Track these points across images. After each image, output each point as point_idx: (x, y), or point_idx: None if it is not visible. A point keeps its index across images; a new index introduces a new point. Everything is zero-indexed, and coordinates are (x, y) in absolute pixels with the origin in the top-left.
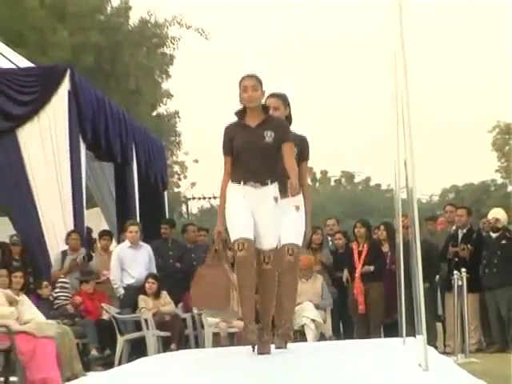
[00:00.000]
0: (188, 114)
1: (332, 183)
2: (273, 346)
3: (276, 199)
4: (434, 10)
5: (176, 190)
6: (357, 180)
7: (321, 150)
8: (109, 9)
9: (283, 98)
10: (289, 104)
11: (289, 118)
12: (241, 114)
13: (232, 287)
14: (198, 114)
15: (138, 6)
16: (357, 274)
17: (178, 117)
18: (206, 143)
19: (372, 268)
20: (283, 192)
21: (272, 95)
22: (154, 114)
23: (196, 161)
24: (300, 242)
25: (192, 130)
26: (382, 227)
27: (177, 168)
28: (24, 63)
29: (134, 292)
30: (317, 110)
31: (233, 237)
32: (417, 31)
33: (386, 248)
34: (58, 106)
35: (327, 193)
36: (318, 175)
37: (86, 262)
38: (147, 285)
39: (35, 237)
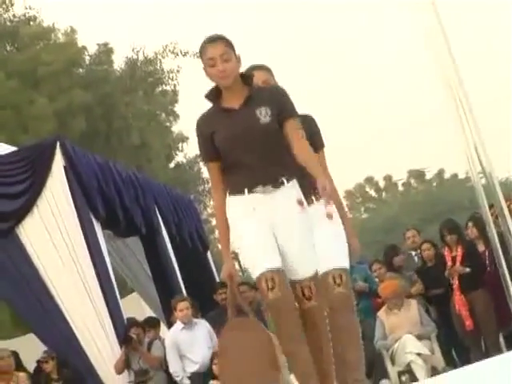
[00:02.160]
0: None
1: (400, 188)
2: None
3: (301, 202)
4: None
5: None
6: (428, 177)
7: (375, 153)
8: (86, 58)
9: (270, 70)
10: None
11: None
12: (214, 95)
13: (276, 349)
14: None
15: (119, 46)
16: (455, 285)
17: (202, 160)
18: None
19: (468, 269)
20: (306, 194)
21: (258, 67)
22: (172, 165)
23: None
24: (347, 264)
25: None
26: (469, 224)
27: (215, 221)
28: (4, 148)
29: (202, 379)
30: (359, 113)
31: (254, 272)
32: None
33: (481, 247)
34: (57, 187)
35: (398, 200)
36: (382, 183)
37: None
38: (215, 366)
39: (71, 347)
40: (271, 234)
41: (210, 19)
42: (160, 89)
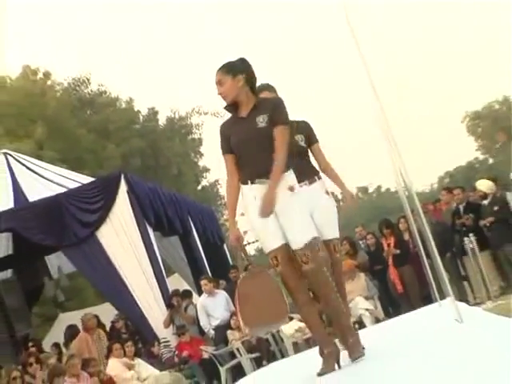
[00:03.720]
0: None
1: None
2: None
3: (291, 188)
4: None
5: None
6: (370, 190)
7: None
8: (141, 118)
9: (275, 90)
10: None
11: None
12: (231, 106)
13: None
14: None
15: (162, 109)
16: (390, 262)
17: (219, 184)
18: None
19: (398, 251)
20: (305, 175)
21: (264, 88)
22: (199, 187)
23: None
24: (338, 234)
25: None
26: (401, 220)
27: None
28: (87, 179)
29: (222, 330)
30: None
31: (265, 249)
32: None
33: (407, 236)
34: (122, 205)
35: (350, 208)
36: (339, 196)
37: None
38: (232, 321)
39: (134, 311)
40: (273, 217)
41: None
42: (190, 137)
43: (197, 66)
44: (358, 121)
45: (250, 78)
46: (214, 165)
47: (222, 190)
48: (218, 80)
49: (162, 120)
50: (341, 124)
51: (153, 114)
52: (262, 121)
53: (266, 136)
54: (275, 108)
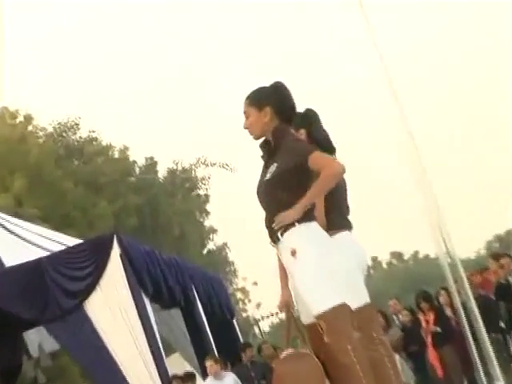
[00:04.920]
0: (236, 242)
1: (384, 266)
2: None
3: (293, 252)
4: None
5: (244, 314)
6: (406, 257)
7: (364, 238)
8: (137, 169)
9: (312, 121)
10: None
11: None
12: (266, 146)
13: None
14: (245, 240)
15: (162, 159)
16: (429, 342)
17: (227, 247)
18: (260, 264)
19: (439, 329)
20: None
21: (299, 124)
22: (205, 251)
23: (255, 283)
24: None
25: (243, 256)
26: (442, 292)
27: (239, 294)
28: (73, 241)
29: None
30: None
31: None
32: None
33: (449, 312)
34: (115, 271)
35: (382, 277)
36: (370, 262)
37: None
38: None
39: None
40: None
41: (236, 134)
42: (195, 193)
43: (203, 108)
44: (391, 174)
45: (282, 110)
46: (222, 225)
47: (232, 255)
48: (244, 111)
49: (161, 172)
50: (371, 177)
51: (151, 165)
52: (271, 170)
53: (270, 188)
54: (292, 147)
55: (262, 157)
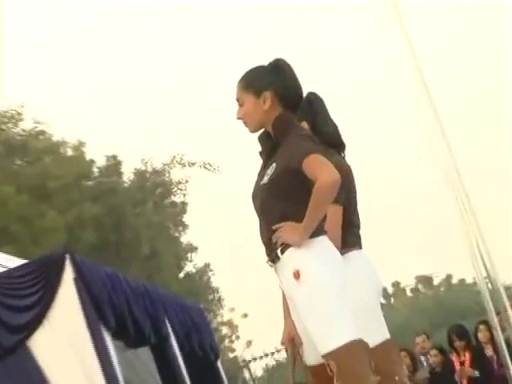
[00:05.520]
0: (221, 264)
1: (409, 293)
2: None
3: (297, 274)
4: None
5: (231, 354)
6: (436, 282)
7: (381, 259)
8: (95, 171)
9: (317, 107)
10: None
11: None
12: (265, 139)
13: None
14: (232, 260)
15: (128, 158)
16: None
17: (210, 270)
18: (251, 292)
19: (477, 373)
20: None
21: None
22: (182, 275)
23: (245, 315)
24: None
25: (231, 281)
26: (481, 327)
27: (226, 329)
28: (15, 262)
29: None
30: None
31: None
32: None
33: (490, 351)
34: (67, 299)
35: (406, 306)
36: (390, 289)
37: None
38: None
39: None
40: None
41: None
42: (169, 200)
43: (180, 96)
44: (419, 183)
45: (286, 94)
46: (204, 241)
47: (216, 279)
48: (236, 98)
49: (127, 174)
50: (396, 187)
51: (114, 165)
52: (269, 172)
53: (266, 198)
54: (292, 144)
55: (261, 153)
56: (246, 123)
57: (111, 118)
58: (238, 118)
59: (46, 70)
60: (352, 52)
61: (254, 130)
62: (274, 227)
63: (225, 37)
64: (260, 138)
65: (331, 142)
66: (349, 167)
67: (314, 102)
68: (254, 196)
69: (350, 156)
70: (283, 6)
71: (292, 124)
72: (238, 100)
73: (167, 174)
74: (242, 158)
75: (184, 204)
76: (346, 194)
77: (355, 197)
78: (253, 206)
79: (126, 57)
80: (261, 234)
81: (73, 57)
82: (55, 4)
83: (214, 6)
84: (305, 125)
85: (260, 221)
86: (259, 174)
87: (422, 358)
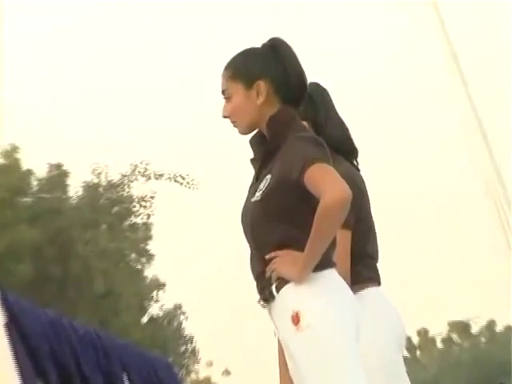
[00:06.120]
0: (196, 305)
1: (439, 344)
2: None
3: (295, 318)
4: None
5: None
6: (475, 330)
7: (405, 300)
8: (34, 184)
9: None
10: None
11: None
12: (258, 144)
13: None
14: (209, 301)
15: (76, 168)
16: None
17: (182, 313)
18: (234, 342)
19: None
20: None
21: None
22: (145, 319)
23: (227, 372)
24: None
25: (208, 327)
26: None
27: None
28: None
29: None
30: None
31: None
32: None
33: None
34: None
35: (436, 361)
36: (415, 339)
37: None
38: None
39: None
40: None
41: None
42: (129, 221)
43: (149, 97)
44: (459, 207)
45: (286, 83)
46: (174, 276)
47: (190, 325)
48: (222, 90)
49: (74, 188)
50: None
51: (58, 176)
52: (262, 186)
53: (259, 220)
54: (291, 151)
55: (252, 161)
56: (234, 122)
57: (52, 116)
58: (225, 117)
59: (46, 70)
60: (352, 52)
61: (245, 131)
62: (267, 256)
63: (225, 37)
64: (252, 142)
65: (338, 147)
66: (362, 180)
67: (316, 94)
68: (244, 217)
69: (366, 166)
70: (283, 6)
71: (293, 123)
72: (223, 93)
73: (127, 189)
74: (225, 168)
75: (148, 227)
76: (356, 216)
77: (370, 219)
78: (242, 229)
79: (120, 56)
80: (251, 265)
81: (73, 57)
82: (55, 4)
83: (214, 6)
84: (305, 125)
85: (251, 249)
86: (250, 189)
87: None
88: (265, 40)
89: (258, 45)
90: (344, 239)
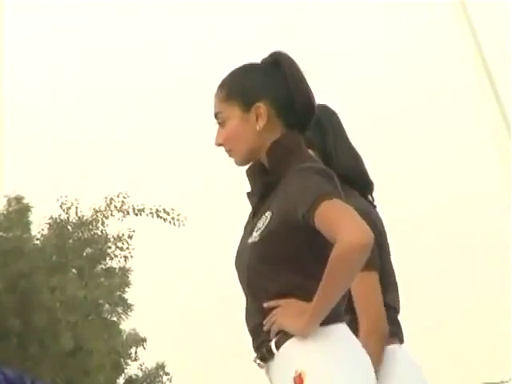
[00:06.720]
0: (182, 365)
1: None
2: None
3: (298, 379)
4: None
5: None
6: None
7: (432, 358)
8: None
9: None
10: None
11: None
12: (254, 175)
13: None
14: (199, 360)
15: (40, 201)
16: None
17: (166, 373)
18: None
19: None
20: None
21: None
22: (121, 380)
23: None
24: None
25: None
26: None
27: None
28: None
29: None
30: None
31: None
32: None
33: None
34: None
35: None
36: None
37: None
38: None
39: None
40: None
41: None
42: (103, 265)
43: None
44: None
45: (290, 105)
46: (156, 329)
47: None
48: (215, 113)
49: (36, 224)
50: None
51: (18, 211)
52: (261, 225)
53: (255, 265)
54: (293, 187)
55: (249, 196)
56: (229, 151)
57: (9, 136)
58: (218, 144)
59: (46, 70)
60: (353, 52)
61: (242, 161)
62: (265, 305)
63: (225, 37)
64: (249, 173)
65: (351, 180)
66: (380, 220)
67: (323, 117)
68: (238, 260)
69: (382, 201)
70: (283, 6)
71: (298, 151)
72: (216, 116)
73: (100, 226)
74: (217, 202)
75: (125, 272)
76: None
77: (390, 264)
78: (237, 274)
79: (118, 57)
80: (247, 317)
81: (73, 57)
82: (55, 4)
83: (213, 5)
84: (311, 153)
85: (246, 298)
86: (246, 227)
87: None
88: (264, 40)
89: (258, 45)
90: (371, 283)
